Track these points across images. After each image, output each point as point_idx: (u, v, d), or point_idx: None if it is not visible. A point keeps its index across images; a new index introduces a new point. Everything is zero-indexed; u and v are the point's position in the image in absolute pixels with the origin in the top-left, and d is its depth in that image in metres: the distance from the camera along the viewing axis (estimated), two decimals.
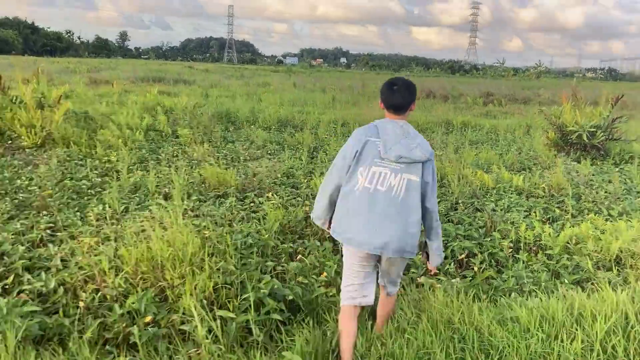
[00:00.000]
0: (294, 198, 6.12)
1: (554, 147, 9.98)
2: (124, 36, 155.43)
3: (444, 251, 3.32)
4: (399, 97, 2.89)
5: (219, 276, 3.65)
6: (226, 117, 12.81)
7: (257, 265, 4.04)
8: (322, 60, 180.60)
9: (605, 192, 6.80)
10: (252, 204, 5.81)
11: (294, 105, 16.63)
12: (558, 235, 4.88)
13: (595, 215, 5.78)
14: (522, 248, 4.87)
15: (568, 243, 4.76)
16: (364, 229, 2.77)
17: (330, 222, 3.08)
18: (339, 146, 9.69)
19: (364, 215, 2.78)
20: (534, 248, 4.90)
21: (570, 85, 13.39)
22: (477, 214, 5.86)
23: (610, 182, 7.60)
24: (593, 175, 7.91)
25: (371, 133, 2.86)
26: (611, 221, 5.35)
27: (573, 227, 5.04)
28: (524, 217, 5.73)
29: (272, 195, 5.89)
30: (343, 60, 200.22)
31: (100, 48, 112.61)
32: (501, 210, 6.00)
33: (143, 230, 4.14)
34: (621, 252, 4.48)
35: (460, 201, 6.27)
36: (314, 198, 6.16)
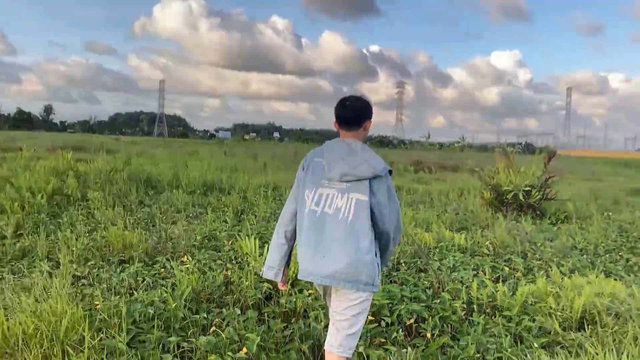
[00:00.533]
0: (214, 261, 5.27)
1: (490, 207, 9.74)
2: (48, 110, 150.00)
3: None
4: (349, 111, 2.70)
5: (102, 358, 2.75)
6: (146, 182, 11.83)
7: (158, 342, 3.15)
8: (255, 134, 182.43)
9: (552, 249, 6.42)
10: (162, 269, 4.91)
11: (222, 171, 15.86)
12: (514, 294, 4.32)
13: (542, 272, 5.34)
14: (475, 310, 4.25)
15: (526, 302, 4.20)
16: (311, 257, 2.53)
17: (284, 272, 2.80)
18: (269, 208, 8.98)
19: (312, 241, 2.53)
20: (489, 309, 4.29)
21: (497, 150, 13.58)
22: (422, 274, 5.25)
23: (551, 240, 7.30)
24: (534, 233, 7.59)
25: (318, 153, 2.69)
26: (567, 276, 4.87)
27: (528, 284, 4.51)
28: (472, 276, 5.17)
29: (187, 258, 5.03)
30: (276, 134, 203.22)
31: (22, 121, 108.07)
32: (447, 269, 5.42)
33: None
34: (585, 309, 3.95)
35: (402, 261, 5.65)
36: (237, 261, 5.38)
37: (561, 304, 4.02)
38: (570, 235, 7.78)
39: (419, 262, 5.65)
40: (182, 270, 4.46)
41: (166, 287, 4.23)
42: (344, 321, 2.57)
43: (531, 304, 4.22)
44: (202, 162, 18.26)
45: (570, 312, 3.91)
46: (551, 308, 4.00)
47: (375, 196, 2.52)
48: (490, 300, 4.33)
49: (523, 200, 9.24)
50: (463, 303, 4.27)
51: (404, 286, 4.70)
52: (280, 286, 2.85)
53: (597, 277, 5.17)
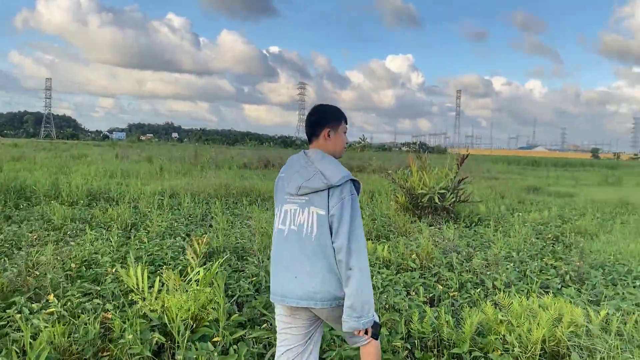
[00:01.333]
0: (90, 300, 4.14)
1: (404, 211, 9.29)
2: None
3: (365, 316, 2.25)
4: (307, 123, 2.54)
5: None
6: (18, 192, 10.12)
7: None
8: (152, 135, 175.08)
9: (479, 259, 5.95)
10: (18, 315, 3.72)
11: (111, 176, 14.26)
12: (459, 324, 3.69)
13: (478, 290, 4.82)
14: (417, 346, 3.56)
15: (475, 334, 3.57)
16: (284, 278, 2.37)
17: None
18: (164, 220, 7.85)
19: (284, 262, 2.39)
20: (433, 344, 3.61)
21: (409, 154, 13.26)
22: None
23: (474, 248, 6.90)
24: (456, 240, 7.16)
25: (283, 169, 2.54)
26: (513, 296, 4.34)
27: (473, 311, 3.89)
28: (403, 298, 4.51)
29: (53, 298, 3.88)
30: (175, 135, 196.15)
31: None
32: (375, 290, 4.71)
33: None
34: (545, 340, 3.38)
35: None
36: (122, 296, 4.30)
37: (515, 335, 3.42)
38: (490, 240, 7.46)
39: None
40: (42, 319, 3.34)
41: (17, 347, 3.10)
42: (313, 346, 2.49)
43: (481, 335, 3.61)
44: (89, 166, 16.44)
45: (529, 346, 3.32)
46: (506, 342, 3.40)
47: (330, 209, 2.27)
48: (435, 332, 3.66)
49: (438, 203, 8.87)
50: (402, 338, 3.57)
51: None
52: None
53: (535, 293, 4.73)
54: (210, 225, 7.97)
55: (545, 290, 5.00)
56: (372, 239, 7.28)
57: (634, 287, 5.17)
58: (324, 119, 2.49)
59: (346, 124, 2.59)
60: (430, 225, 8.40)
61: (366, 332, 2.30)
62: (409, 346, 3.50)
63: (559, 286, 5.05)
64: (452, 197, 8.97)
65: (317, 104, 2.57)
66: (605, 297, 4.73)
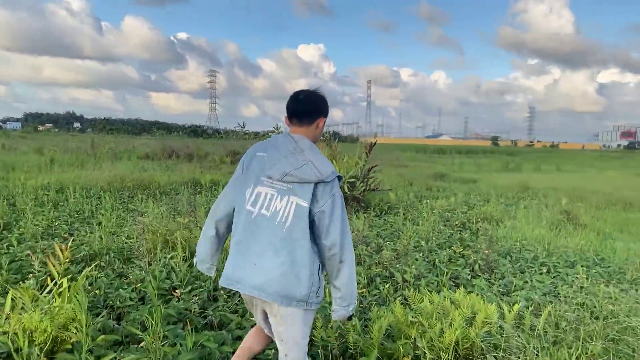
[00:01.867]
0: None
1: None
2: None
3: (352, 302, 2.35)
4: (302, 103, 2.37)
5: None
6: None
7: None
8: (52, 125, 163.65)
9: (389, 250, 5.69)
10: None
11: None
12: (367, 328, 3.33)
13: (388, 285, 4.53)
14: (321, 356, 3.16)
15: (384, 339, 3.23)
16: (241, 263, 2.25)
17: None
18: (44, 218, 6.94)
19: (244, 246, 2.25)
20: (338, 354, 3.22)
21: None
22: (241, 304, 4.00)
23: (384, 238, 6.67)
24: (365, 231, 6.89)
25: (261, 147, 2.38)
26: (423, 291, 4.06)
27: (382, 312, 3.55)
28: None
29: None
30: (77, 125, 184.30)
31: None
32: None
33: None
34: (458, 342, 3.10)
35: (220, 287, 4.34)
36: None
37: (427, 338, 3.11)
38: (399, 230, 7.28)
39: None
40: None
41: None
42: (281, 338, 2.32)
43: (391, 339, 3.27)
44: None
45: (441, 350, 3.01)
46: (416, 346, 3.08)
47: (318, 204, 2.20)
48: (340, 339, 3.27)
49: (348, 192, 8.59)
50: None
51: (224, 331, 3.42)
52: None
53: (446, 287, 4.51)
54: (100, 223, 7.15)
55: (456, 282, 4.81)
56: None
57: (541, 274, 5.12)
58: (325, 107, 2.42)
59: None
60: None
61: (349, 318, 2.40)
62: (310, 357, 3.09)
63: (469, 276, 4.87)
64: (362, 186, 8.73)
65: (314, 89, 2.44)
66: (515, 286, 4.60)
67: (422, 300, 3.50)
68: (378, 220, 8.02)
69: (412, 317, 3.28)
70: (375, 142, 8.93)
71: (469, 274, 4.89)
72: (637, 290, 4.32)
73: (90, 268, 3.76)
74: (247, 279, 2.22)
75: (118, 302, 3.88)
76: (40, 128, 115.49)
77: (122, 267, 4.85)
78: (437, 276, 4.90)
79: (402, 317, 3.27)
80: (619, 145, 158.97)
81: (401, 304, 3.55)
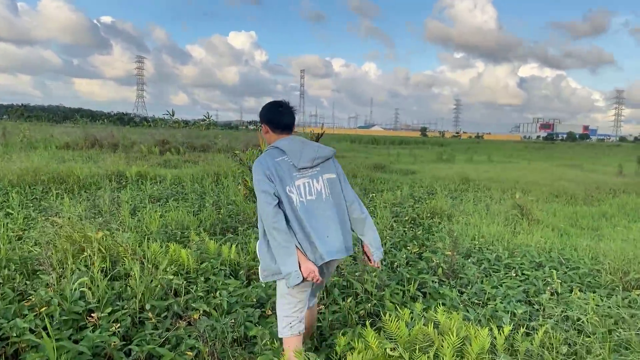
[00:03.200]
0: None
1: (255, 198, 8.19)
2: None
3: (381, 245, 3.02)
4: (289, 117, 2.90)
5: None
6: None
7: None
8: None
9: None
10: None
11: None
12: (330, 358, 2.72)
13: (350, 299, 3.94)
14: None
15: None
16: (318, 242, 2.66)
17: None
18: None
19: (312, 230, 2.66)
20: None
21: (257, 132, 12.15)
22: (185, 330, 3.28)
23: None
24: None
25: (275, 155, 2.75)
26: (377, 302, 3.49)
27: (342, 333, 2.94)
28: (256, 321, 3.46)
29: None
30: None
31: None
32: (218, 314, 3.57)
33: None
34: None
35: (148, 306, 3.56)
36: None
37: None
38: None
39: (175, 307, 3.64)
40: None
41: None
42: (323, 285, 3.18)
43: None
44: None
45: None
46: None
47: (338, 171, 2.90)
48: None
49: None
50: None
51: None
52: (310, 277, 2.61)
53: (413, 298, 3.97)
54: (4, 226, 6.09)
55: (421, 290, 4.29)
56: (216, 234, 6.07)
57: (509, 277, 4.70)
58: None
59: None
60: None
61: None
62: None
63: (435, 284, 4.35)
64: None
65: (283, 101, 2.94)
66: (487, 295, 4.14)
67: (398, 327, 2.90)
68: None
69: (390, 350, 2.68)
70: (323, 133, 8.31)
71: (435, 281, 4.37)
72: (617, 296, 3.96)
73: None
74: (330, 249, 2.69)
75: (14, 335, 3.04)
76: None
77: (26, 284, 3.95)
78: (400, 284, 4.36)
79: (378, 349, 2.67)
80: (538, 137, 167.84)
81: (371, 325, 2.96)
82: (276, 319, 2.88)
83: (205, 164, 14.30)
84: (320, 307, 3.79)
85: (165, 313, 3.60)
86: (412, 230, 6.79)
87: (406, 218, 7.49)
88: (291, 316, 2.78)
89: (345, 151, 29.60)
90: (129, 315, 3.44)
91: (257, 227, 6.40)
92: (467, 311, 3.74)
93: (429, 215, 7.72)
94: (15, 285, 3.89)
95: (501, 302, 3.97)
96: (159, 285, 3.84)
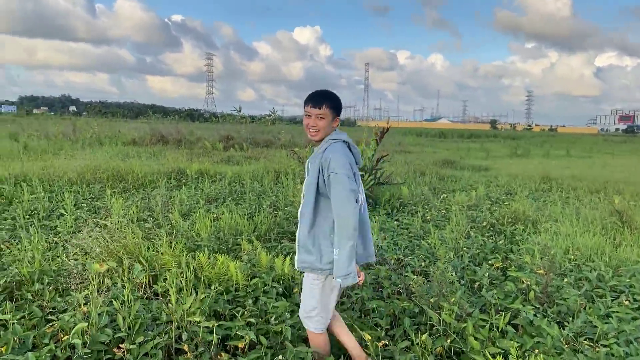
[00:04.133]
0: None
1: None
2: None
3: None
4: None
5: None
6: None
7: None
8: (47, 108, 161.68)
9: (419, 268, 4.41)
10: None
11: None
12: None
13: (424, 335, 3.25)
14: None
15: None
16: (368, 242, 2.86)
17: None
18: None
19: (364, 230, 2.82)
20: None
21: None
22: None
23: (394, 243, 5.40)
24: (379, 240, 5.61)
25: (347, 153, 2.72)
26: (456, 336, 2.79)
27: None
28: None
29: None
30: (72, 108, 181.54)
31: None
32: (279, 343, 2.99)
33: None
34: None
35: (185, 336, 3.04)
36: None
37: None
38: (419, 236, 6.01)
39: (216, 336, 3.10)
40: None
41: None
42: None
43: None
44: None
45: None
46: None
47: None
48: None
49: None
50: None
51: None
52: (361, 281, 2.70)
53: (503, 333, 3.23)
54: (53, 229, 5.85)
55: (512, 322, 3.52)
56: (270, 240, 5.54)
57: (619, 304, 3.84)
58: None
59: (307, 106, 2.73)
60: None
61: None
62: None
63: (529, 314, 3.56)
64: (371, 180, 7.42)
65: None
66: (599, 331, 3.31)
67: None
68: (390, 222, 6.74)
69: None
70: (389, 128, 7.60)
71: (531, 311, 3.57)
72: None
73: None
74: (372, 251, 2.89)
75: None
76: (36, 111, 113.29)
77: (57, 301, 3.54)
78: (484, 312, 3.62)
79: None
80: (617, 129, 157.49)
81: None
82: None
83: (267, 160, 13.92)
84: (383, 342, 3.13)
85: (202, 341, 3.06)
86: (491, 239, 5.97)
87: (484, 224, 6.66)
88: (322, 315, 2.80)
89: (411, 145, 28.56)
90: (161, 348, 2.92)
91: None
92: (575, 355, 2.96)
93: (510, 220, 6.85)
94: (44, 303, 3.49)
95: (616, 342, 3.16)
96: (199, 309, 3.31)
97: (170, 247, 4.39)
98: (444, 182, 11.26)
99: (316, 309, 2.78)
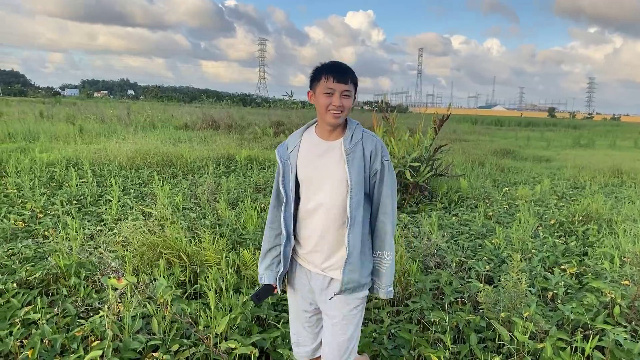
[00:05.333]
0: None
1: None
2: None
3: None
4: None
5: None
6: None
7: None
8: (107, 92, 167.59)
9: (484, 272, 3.96)
10: None
11: (12, 139, 11.71)
12: None
13: (491, 354, 2.83)
14: None
15: None
16: None
17: None
18: (33, 206, 5.60)
19: None
20: None
21: (373, 113, 11.14)
22: None
23: (455, 242, 4.94)
24: (439, 239, 5.16)
25: None
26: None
27: None
28: None
29: None
30: (131, 92, 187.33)
31: None
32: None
33: None
34: None
35: (224, 346, 2.74)
36: None
37: None
38: (481, 234, 5.52)
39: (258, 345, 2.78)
40: None
41: None
42: None
43: None
44: None
45: None
46: None
47: None
48: None
49: (409, 180, 6.82)
50: None
51: None
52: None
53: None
54: (99, 215, 5.72)
55: (598, 346, 3.04)
56: None
57: None
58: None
59: (327, 81, 2.00)
60: (402, 213, 6.39)
61: None
62: None
63: (618, 336, 3.06)
64: (428, 171, 6.94)
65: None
66: None
67: None
68: (448, 217, 6.27)
69: None
70: (449, 115, 7.08)
71: (622, 333, 3.07)
72: None
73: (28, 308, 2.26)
74: None
75: None
76: (97, 95, 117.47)
77: (92, 298, 3.34)
78: (561, 328, 3.16)
79: None
80: None
81: None
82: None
83: None
84: None
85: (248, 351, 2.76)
86: (562, 239, 5.41)
87: (552, 222, 6.09)
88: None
89: (466, 133, 27.52)
90: (198, 359, 2.64)
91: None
92: None
93: (581, 219, 6.23)
94: (79, 299, 3.29)
95: None
96: (241, 314, 3.01)
97: (214, 241, 4.13)
98: (505, 173, 10.60)
99: (355, 339, 2.17)
